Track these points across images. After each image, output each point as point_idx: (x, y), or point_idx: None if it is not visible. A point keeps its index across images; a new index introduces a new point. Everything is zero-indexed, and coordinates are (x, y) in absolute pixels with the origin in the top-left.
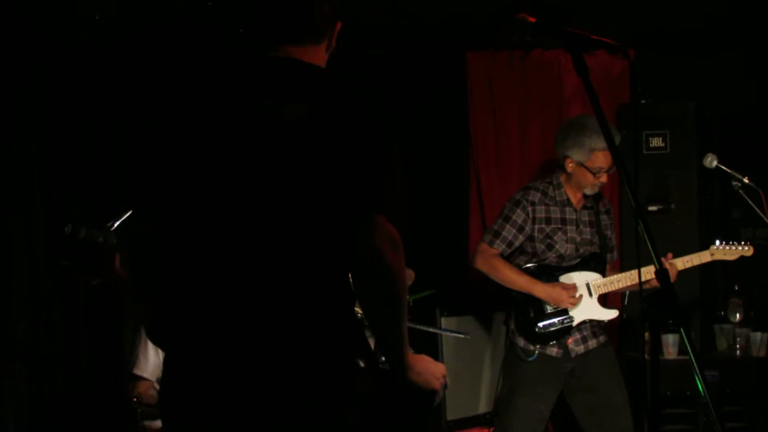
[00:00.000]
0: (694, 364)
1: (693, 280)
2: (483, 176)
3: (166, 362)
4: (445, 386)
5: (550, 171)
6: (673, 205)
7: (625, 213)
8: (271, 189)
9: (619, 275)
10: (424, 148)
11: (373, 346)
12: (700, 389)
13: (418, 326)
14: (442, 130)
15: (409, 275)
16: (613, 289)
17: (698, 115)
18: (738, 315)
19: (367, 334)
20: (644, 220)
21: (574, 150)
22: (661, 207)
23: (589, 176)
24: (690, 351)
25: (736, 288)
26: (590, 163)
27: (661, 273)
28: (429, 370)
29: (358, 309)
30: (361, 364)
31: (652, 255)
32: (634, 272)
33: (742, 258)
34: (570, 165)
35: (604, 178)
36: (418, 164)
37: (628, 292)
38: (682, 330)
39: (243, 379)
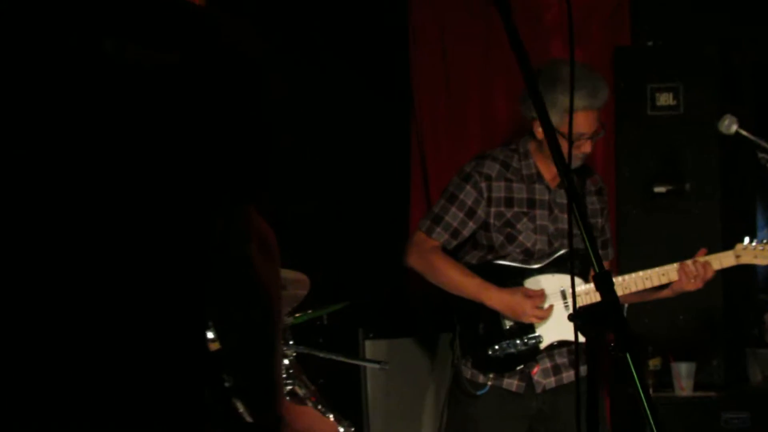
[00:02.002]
0: (645, 407)
1: (714, 289)
2: (429, 146)
3: None
4: None
5: (519, 136)
6: (687, 186)
7: (626, 195)
8: (102, 169)
9: (615, 279)
10: (349, 111)
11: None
12: None
13: (316, 352)
14: (373, 86)
15: (300, 282)
16: None
17: (723, 63)
18: None
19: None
20: (579, 205)
21: (549, 109)
22: (670, 188)
23: (565, 145)
24: (639, 387)
25: None
26: (566, 128)
27: (601, 278)
28: (314, 430)
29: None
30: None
31: (590, 253)
32: (639, 275)
33: None
34: (540, 130)
35: (586, 148)
36: (340, 131)
37: (626, 305)
38: (628, 357)
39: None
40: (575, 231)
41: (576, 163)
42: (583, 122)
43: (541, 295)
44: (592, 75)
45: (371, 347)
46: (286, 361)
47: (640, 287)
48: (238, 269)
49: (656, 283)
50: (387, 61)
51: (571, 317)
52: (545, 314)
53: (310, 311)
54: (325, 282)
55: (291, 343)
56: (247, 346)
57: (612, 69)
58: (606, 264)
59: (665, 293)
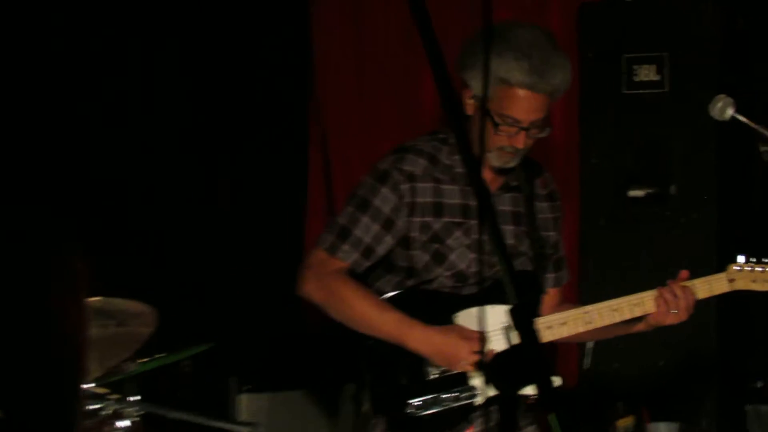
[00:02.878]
0: None
1: (706, 325)
2: (334, 143)
3: None
4: None
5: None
6: (673, 188)
7: (592, 200)
8: None
9: (572, 312)
10: (235, 99)
11: None
12: None
13: (169, 412)
14: (266, 68)
15: (143, 316)
16: (559, 336)
17: (722, 26)
18: None
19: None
20: (493, 221)
21: (473, 73)
22: (650, 191)
23: (491, 130)
24: None
25: None
26: (497, 105)
27: (518, 313)
28: None
29: None
30: None
31: (506, 277)
32: (606, 306)
33: None
34: (470, 102)
35: (518, 142)
36: (222, 124)
37: (591, 344)
38: (554, 420)
39: None
40: (524, 249)
41: (505, 162)
42: (520, 105)
43: (479, 336)
44: (546, 46)
45: (247, 403)
46: (127, 423)
47: (607, 321)
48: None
49: (627, 315)
50: (281, 41)
51: (480, 366)
52: (485, 361)
53: (163, 354)
54: (184, 316)
55: (136, 398)
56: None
57: (577, 33)
58: (556, 292)
59: (639, 327)
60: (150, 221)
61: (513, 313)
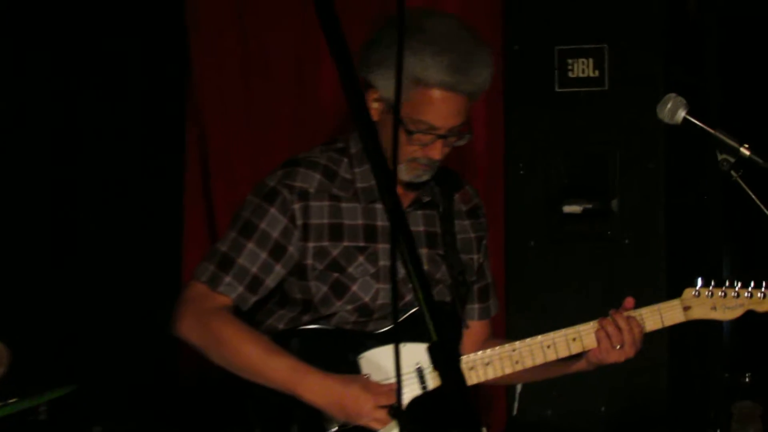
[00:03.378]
0: None
1: (656, 361)
2: (215, 153)
3: None
4: None
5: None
6: (615, 203)
7: (520, 217)
8: None
9: (498, 350)
10: (95, 101)
11: None
12: None
13: None
14: (131, 65)
15: None
16: (485, 378)
17: (671, 14)
18: None
19: None
20: (411, 245)
21: (381, 72)
22: (588, 206)
23: (403, 138)
24: None
25: (748, 379)
26: (411, 110)
27: (438, 351)
28: None
29: None
30: None
31: (424, 310)
32: (537, 342)
33: (751, 315)
34: (376, 106)
35: (434, 152)
36: (79, 131)
37: (519, 387)
38: None
39: None
40: (441, 276)
41: (416, 175)
42: (437, 109)
43: (388, 388)
44: (467, 39)
45: None
46: None
47: (539, 360)
48: None
49: (563, 353)
50: (150, 34)
51: (393, 412)
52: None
53: (13, 400)
54: (42, 356)
55: None
56: None
57: (501, 22)
58: (482, 326)
59: (579, 366)
60: (3, 250)
61: (432, 351)
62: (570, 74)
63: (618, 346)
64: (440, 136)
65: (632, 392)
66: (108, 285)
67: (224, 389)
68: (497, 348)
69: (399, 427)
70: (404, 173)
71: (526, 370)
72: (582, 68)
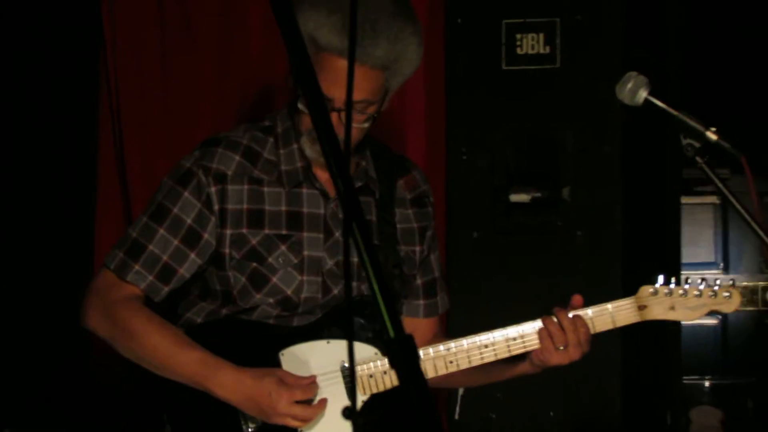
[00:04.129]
0: None
1: (609, 362)
2: (130, 129)
3: None
4: None
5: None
6: (566, 192)
7: (464, 206)
8: None
9: (431, 349)
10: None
11: None
12: None
13: None
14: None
15: None
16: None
17: None
18: None
19: None
20: (362, 222)
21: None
22: (537, 195)
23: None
24: None
25: (708, 383)
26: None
27: (398, 347)
28: None
29: None
30: None
31: (380, 305)
32: (477, 342)
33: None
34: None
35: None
36: None
37: (461, 391)
38: None
39: None
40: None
41: (317, 150)
42: (331, 77)
43: (306, 381)
44: (383, 7)
45: None
46: None
47: (476, 361)
48: None
49: (502, 354)
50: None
51: (347, 413)
52: (312, 414)
53: None
54: None
55: None
56: None
57: None
58: (429, 324)
59: (524, 369)
60: None
61: (389, 348)
62: (518, 50)
63: (561, 347)
64: (333, 109)
65: (583, 395)
66: (14, 273)
67: (138, 385)
68: (430, 348)
69: (353, 429)
70: (307, 147)
71: (464, 372)
72: (531, 44)
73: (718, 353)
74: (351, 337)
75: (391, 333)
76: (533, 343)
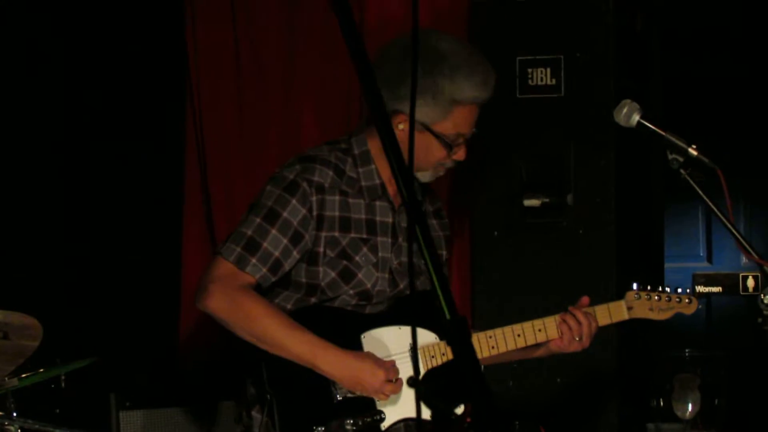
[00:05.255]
0: None
1: (606, 343)
2: (212, 150)
3: None
4: None
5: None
6: (570, 198)
7: (483, 211)
8: None
9: (476, 336)
10: (99, 102)
11: None
12: None
13: (48, 428)
14: (130, 59)
15: (30, 329)
16: None
17: (622, 27)
18: (690, 405)
19: None
20: (425, 229)
21: (423, 100)
22: (546, 201)
23: (440, 150)
24: None
25: (687, 353)
26: (444, 126)
27: (454, 327)
28: None
29: None
30: None
31: (439, 293)
32: (509, 332)
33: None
34: (402, 127)
35: (462, 155)
36: (92, 128)
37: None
38: None
39: None
40: (422, 265)
41: (438, 175)
42: (470, 120)
43: (392, 364)
44: (475, 54)
45: (128, 421)
46: None
47: (511, 346)
48: None
49: (531, 341)
50: (149, 26)
51: (411, 382)
52: (397, 389)
53: (41, 370)
54: (65, 330)
55: (14, 415)
56: None
57: (466, 33)
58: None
59: (539, 353)
60: (32, 230)
61: (447, 327)
62: (530, 82)
63: (578, 338)
64: (466, 141)
65: (584, 366)
66: (121, 265)
67: (220, 358)
68: (478, 334)
69: (417, 396)
70: (429, 177)
71: (496, 355)
72: (540, 77)
73: (703, 330)
74: (414, 323)
75: (448, 315)
76: (553, 333)
